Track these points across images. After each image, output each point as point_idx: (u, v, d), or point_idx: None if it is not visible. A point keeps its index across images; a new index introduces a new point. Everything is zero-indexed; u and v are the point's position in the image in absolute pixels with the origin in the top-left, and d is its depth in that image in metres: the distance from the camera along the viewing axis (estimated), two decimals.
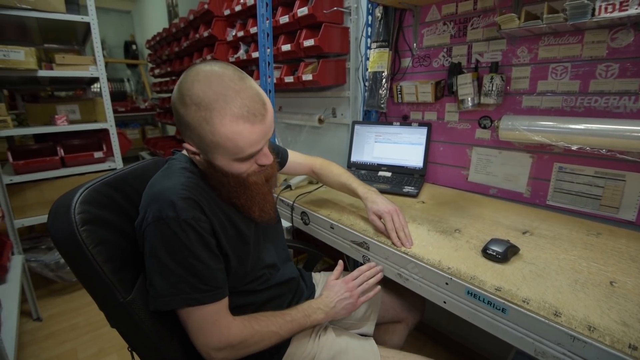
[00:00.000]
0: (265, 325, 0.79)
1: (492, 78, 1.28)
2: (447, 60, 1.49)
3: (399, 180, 1.52)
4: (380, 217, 1.03)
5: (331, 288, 0.94)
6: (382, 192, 1.38)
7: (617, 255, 0.91)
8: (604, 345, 0.60)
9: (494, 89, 1.28)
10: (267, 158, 0.79)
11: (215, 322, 0.72)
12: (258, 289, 0.88)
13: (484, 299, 0.76)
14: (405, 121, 1.71)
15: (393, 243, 0.98)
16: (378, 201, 1.04)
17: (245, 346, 0.76)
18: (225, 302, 0.75)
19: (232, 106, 0.67)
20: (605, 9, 0.93)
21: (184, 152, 0.84)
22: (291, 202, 1.36)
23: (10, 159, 2.03)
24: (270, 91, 1.69)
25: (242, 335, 0.75)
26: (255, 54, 2.15)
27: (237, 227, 0.81)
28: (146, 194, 0.75)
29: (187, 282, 0.69)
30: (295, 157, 1.21)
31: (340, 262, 1.01)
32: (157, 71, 4.26)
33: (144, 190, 0.77)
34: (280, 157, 1.17)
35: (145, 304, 0.72)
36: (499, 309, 0.74)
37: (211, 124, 0.67)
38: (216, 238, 0.75)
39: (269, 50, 1.67)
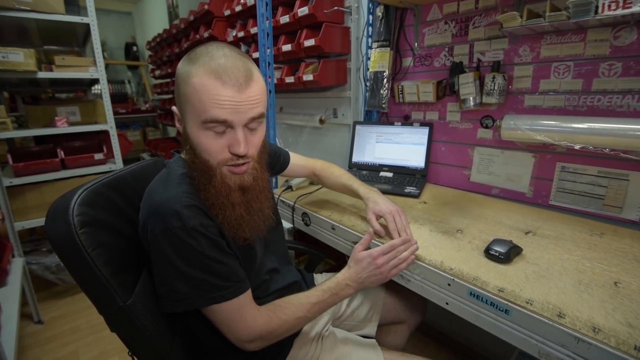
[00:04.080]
0: (293, 313, 0.78)
1: (494, 77, 1.27)
2: (448, 59, 1.48)
3: (401, 181, 1.51)
4: (380, 218, 1.02)
5: (359, 262, 0.87)
6: (384, 192, 1.37)
7: (621, 255, 0.90)
8: (609, 347, 0.59)
9: (495, 88, 1.28)
10: (240, 146, 0.70)
11: (241, 317, 0.73)
12: (261, 296, 0.87)
13: (486, 300, 0.76)
14: (406, 121, 1.70)
15: None
16: (379, 201, 1.03)
17: (275, 335, 0.77)
18: (248, 294, 0.75)
19: (213, 63, 0.67)
20: (609, 6, 0.92)
21: (182, 154, 0.83)
22: (292, 203, 1.35)
23: (10, 161, 2.03)
24: (270, 92, 1.68)
25: (270, 327, 0.75)
26: (255, 55, 2.14)
27: None
28: (147, 203, 0.73)
29: (210, 283, 0.70)
30: (296, 160, 1.21)
31: (371, 230, 0.95)
32: (157, 72, 4.26)
33: (143, 197, 0.76)
34: (282, 160, 1.16)
35: (145, 307, 0.71)
36: (502, 310, 0.73)
37: (189, 74, 0.68)
38: (225, 240, 0.75)
39: (269, 50, 1.66)
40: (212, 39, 2.60)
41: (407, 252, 0.89)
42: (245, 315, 0.73)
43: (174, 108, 0.76)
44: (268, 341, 0.77)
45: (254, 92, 0.69)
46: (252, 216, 0.79)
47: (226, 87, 0.66)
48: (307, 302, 0.81)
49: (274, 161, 1.13)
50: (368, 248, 0.91)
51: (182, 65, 0.71)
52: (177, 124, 0.77)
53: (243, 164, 0.73)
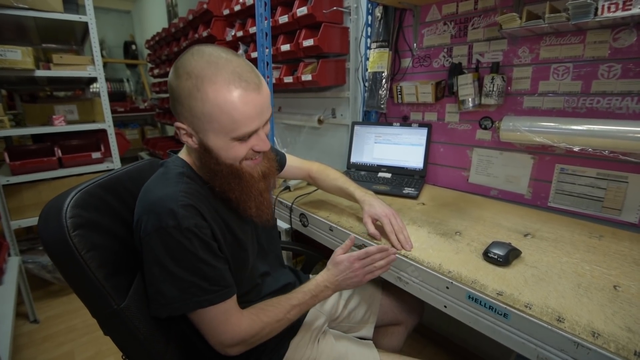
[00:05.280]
0: (275, 315, 0.78)
1: (493, 78, 1.27)
2: (447, 60, 1.48)
3: (399, 182, 1.50)
4: (376, 220, 1.01)
5: (337, 265, 0.88)
6: (382, 193, 1.38)
7: (620, 258, 0.89)
8: (608, 352, 0.59)
9: (494, 89, 1.27)
10: (264, 144, 0.75)
11: (226, 321, 0.72)
12: (253, 299, 0.86)
13: (485, 304, 0.75)
14: (405, 122, 1.70)
15: (393, 246, 0.96)
16: (375, 204, 1.02)
17: (257, 339, 0.77)
18: (234, 299, 0.75)
19: (223, 72, 0.66)
20: (608, 8, 0.91)
21: (181, 154, 0.82)
22: (290, 204, 1.35)
23: (7, 160, 2.01)
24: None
25: (253, 330, 0.75)
26: (254, 54, 2.12)
27: (234, 233, 0.80)
28: (142, 201, 0.72)
29: (198, 286, 0.69)
30: (292, 162, 1.20)
31: (352, 236, 0.95)
32: (156, 71, 4.24)
33: (139, 196, 0.75)
34: (279, 161, 1.15)
35: (140, 310, 0.70)
36: (501, 314, 0.72)
37: (202, 91, 0.66)
38: (217, 243, 0.74)
39: (267, 50, 1.66)
40: (211, 38, 2.59)
41: (383, 261, 0.89)
42: (229, 319, 0.73)
43: (179, 124, 0.72)
44: (250, 345, 0.76)
45: (266, 90, 0.73)
46: (270, 198, 0.90)
47: (249, 93, 0.68)
48: (287, 304, 0.81)
49: None
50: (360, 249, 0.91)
51: (184, 83, 0.67)
52: (187, 139, 0.74)
53: (259, 155, 0.79)
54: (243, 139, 0.72)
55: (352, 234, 0.99)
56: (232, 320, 0.73)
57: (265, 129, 0.77)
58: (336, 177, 1.16)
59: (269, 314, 0.78)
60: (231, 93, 0.66)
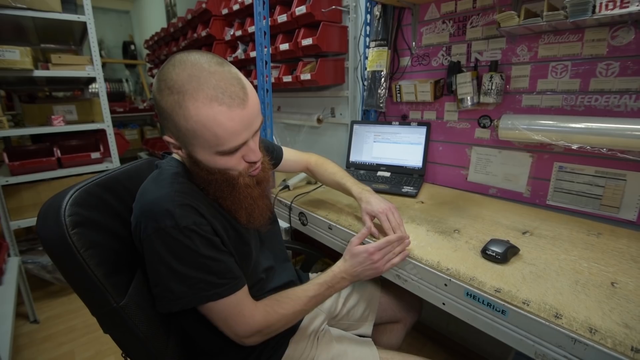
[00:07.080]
0: (291, 307, 0.79)
1: (491, 77, 1.27)
2: (446, 59, 1.48)
3: (398, 180, 1.50)
4: (374, 218, 1.01)
5: (355, 256, 0.88)
6: (381, 192, 1.38)
7: (618, 255, 0.90)
8: (605, 347, 0.59)
9: (493, 87, 1.27)
10: (255, 154, 0.74)
11: (239, 313, 0.73)
12: (256, 295, 0.86)
13: (483, 301, 0.75)
14: (404, 121, 1.70)
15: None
16: (372, 201, 1.02)
17: (273, 329, 0.78)
18: (245, 290, 0.75)
19: (205, 87, 0.63)
20: (606, 6, 0.92)
21: (175, 155, 0.82)
22: (289, 203, 1.35)
23: (6, 160, 2.01)
24: (268, 91, 1.68)
25: (268, 321, 0.76)
26: (253, 54, 2.13)
27: (236, 228, 0.80)
28: (139, 203, 0.72)
29: (206, 281, 0.69)
30: (289, 155, 1.20)
31: (369, 224, 0.95)
32: (155, 71, 4.24)
33: (136, 197, 0.75)
34: (275, 155, 1.15)
35: (139, 308, 0.70)
36: (499, 311, 0.73)
37: (184, 107, 0.63)
38: (220, 238, 0.74)
39: (266, 49, 1.66)
40: (210, 37, 2.59)
41: (399, 247, 0.91)
42: (243, 311, 0.73)
43: (167, 138, 0.73)
44: (266, 335, 0.77)
45: (253, 101, 0.69)
46: (269, 200, 0.91)
47: (234, 110, 0.65)
48: (304, 296, 0.82)
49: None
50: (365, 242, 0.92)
51: (166, 98, 0.65)
52: (176, 151, 0.75)
53: (256, 166, 0.77)
54: (231, 152, 0.70)
55: (369, 224, 0.98)
56: (245, 312, 0.73)
57: (255, 138, 0.74)
58: (334, 172, 1.16)
59: (285, 306, 0.79)
60: (214, 110, 0.63)
